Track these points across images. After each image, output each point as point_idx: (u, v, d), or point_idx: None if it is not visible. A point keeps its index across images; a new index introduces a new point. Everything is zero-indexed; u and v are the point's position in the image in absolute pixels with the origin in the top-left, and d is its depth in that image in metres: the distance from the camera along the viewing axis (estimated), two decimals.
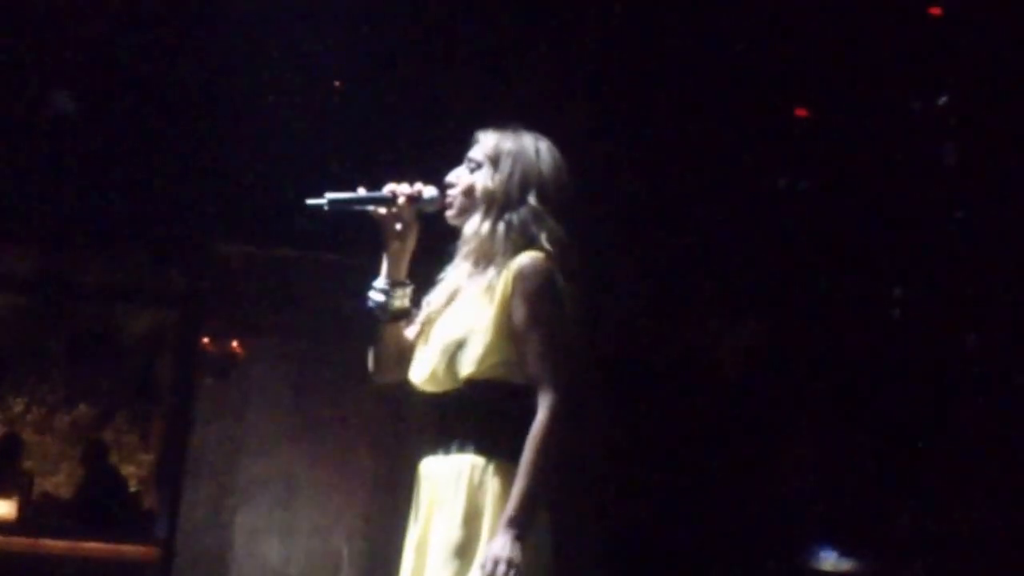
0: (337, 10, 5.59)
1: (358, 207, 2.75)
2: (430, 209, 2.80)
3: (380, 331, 2.80)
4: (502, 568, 2.49)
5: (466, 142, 2.83)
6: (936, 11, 5.84)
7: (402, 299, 2.79)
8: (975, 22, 5.80)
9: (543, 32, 5.79)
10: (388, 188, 2.76)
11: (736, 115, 6.13)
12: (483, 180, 2.75)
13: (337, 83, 6.13)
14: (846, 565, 6.84)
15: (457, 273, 2.80)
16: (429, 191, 2.77)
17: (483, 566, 2.51)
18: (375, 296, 2.79)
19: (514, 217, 2.70)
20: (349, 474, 6.67)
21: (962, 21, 5.82)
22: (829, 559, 6.86)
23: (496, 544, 2.52)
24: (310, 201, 2.73)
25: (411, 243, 2.79)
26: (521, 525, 2.53)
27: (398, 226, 2.77)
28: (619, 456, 6.38)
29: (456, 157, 2.84)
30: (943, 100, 6.05)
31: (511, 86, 5.74)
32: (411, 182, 2.77)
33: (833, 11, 5.75)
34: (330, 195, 2.73)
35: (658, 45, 5.79)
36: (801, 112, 6.28)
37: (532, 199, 2.71)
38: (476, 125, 2.84)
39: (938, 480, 6.62)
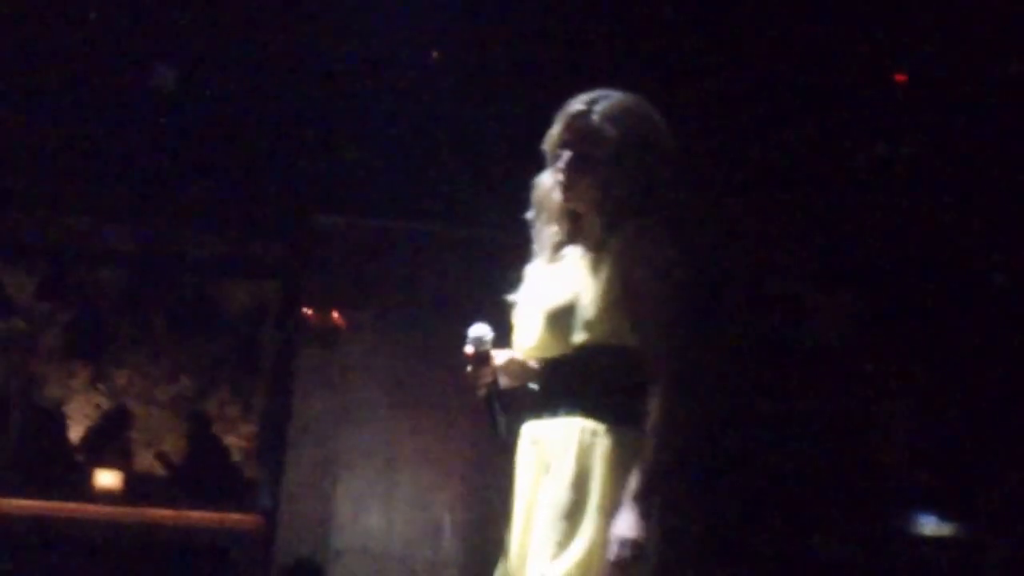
0: None
1: (494, 405, 2.80)
2: (488, 347, 2.82)
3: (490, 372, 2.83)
4: (629, 551, 2.50)
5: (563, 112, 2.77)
6: None
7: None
8: None
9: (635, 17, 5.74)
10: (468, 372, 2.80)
11: (834, 81, 6.05)
12: (577, 148, 2.71)
13: (435, 54, 6.12)
14: (945, 530, 6.78)
15: (559, 241, 2.78)
16: (474, 343, 2.80)
17: (612, 547, 2.51)
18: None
19: (610, 173, 2.67)
20: (449, 443, 6.71)
21: None
22: (928, 524, 6.81)
23: (623, 524, 2.53)
24: (501, 432, 2.79)
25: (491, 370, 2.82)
26: (648, 502, 2.53)
27: (487, 376, 2.81)
28: (716, 425, 6.36)
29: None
30: None
31: (606, 52, 5.69)
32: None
33: None
34: (493, 425, 2.80)
35: (756, 10, 5.73)
36: (901, 77, 6.19)
37: (627, 155, 2.67)
38: (575, 93, 2.79)
39: None
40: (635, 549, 2.51)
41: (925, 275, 6.74)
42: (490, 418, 2.79)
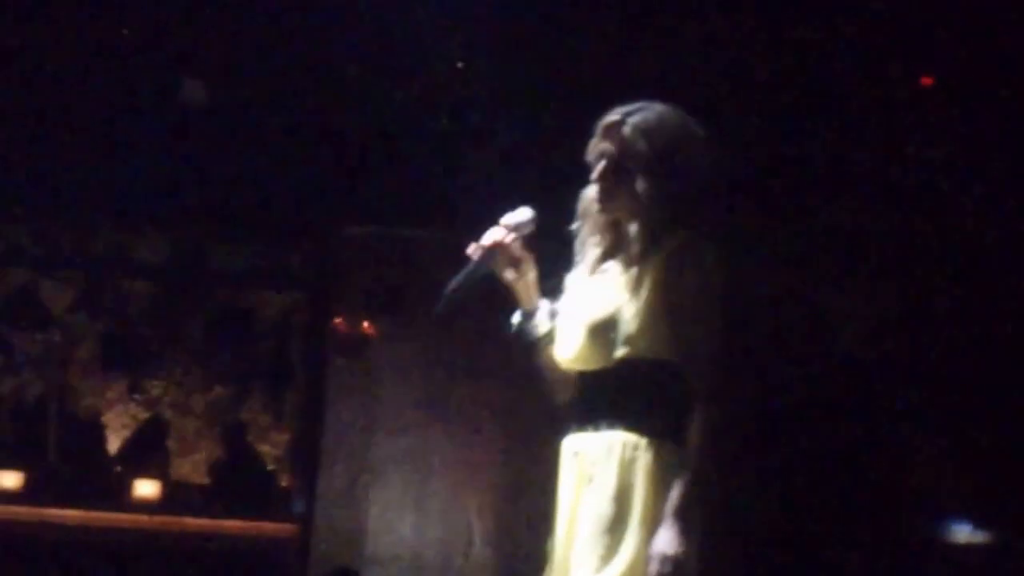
0: None
1: (474, 279, 2.75)
2: (528, 230, 2.79)
3: (541, 359, 2.81)
4: (669, 568, 2.50)
5: (595, 120, 2.78)
6: None
7: (542, 323, 2.80)
8: None
9: (673, 8, 5.72)
10: (484, 241, 2.76)
11: (860, 86, 6.02)
12: (614, 158, 2.71)
13: (462, 63, 6.12)
14: (980, 538, 6.74)
15: (600, 252, 2.78)
16: (519, 216, 2.77)
17: (652, 563, 2.51)
18: (518, 328, 2.81)
19: (647, 184, 2.66)
20: (480, 451, 6.74)
21: None
22: (963, 532, 6.77)
23: (663, 540, 2.53)
24: (438, 311, 2.74)
25: (530, 271, 2.80)
26: (687, 518, 2.53)
27: (513, 264, 2.78)
28: (749, 432, 6.34)
29: (583, 136, 2.81)
30: None
31: (646, 61, 5.66)
32: (493, 224, 2.76)
33: None
34: (448, 290, 2.74)
35: (788, 16, 5.70)
36: (927, 80, 6.14)
37: (664, 165, 2.66)
38: (608, 104, 2.79)
39: None
40: (675, 565, 2.51)
41: (956, 283, 6.68)
42: (455, 284, 2.74)
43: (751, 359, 6.01)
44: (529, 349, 2.82)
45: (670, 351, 2.63)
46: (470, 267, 2.75)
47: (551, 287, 2.84)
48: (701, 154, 2.71)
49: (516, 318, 2.81)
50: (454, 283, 2.74)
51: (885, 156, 6.36)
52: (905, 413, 6.80)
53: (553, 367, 2.79)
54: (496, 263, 2.76)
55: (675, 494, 2.55)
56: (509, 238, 2.76)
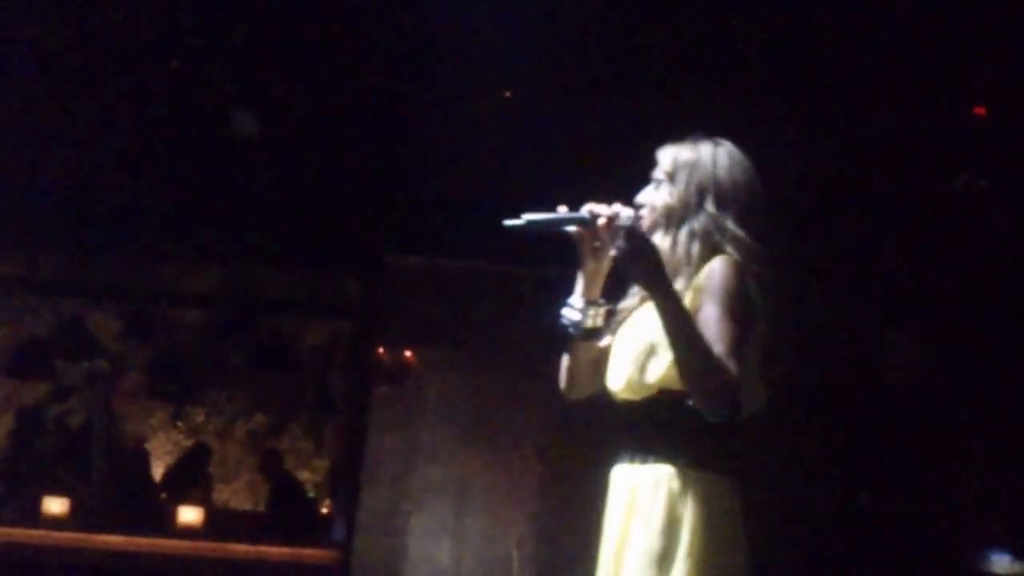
0: (523, 19, 5.57)
1: (556, 228, 2.73)
2: (625, 227, 2.73)
3: (574, 349, 2.80)
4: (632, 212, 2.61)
5: (653, 158, 2.80)
6: None
7: (595, 318, 2.78)
8: None
9: (724, 44, 5.72)
10: (586, 208, 2.72)
11: (911, 114, 5.98)
12: (663, 196, 2.73)
13: (507, 93, 6.15)
14: (1019, 568, 6.68)
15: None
16: (626, 212, 2.73)
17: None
18: (570, 314, 2.78)
19: (695, 225, 2.67)
20: (520, 480, 6.72)
21: None
22: (1002, 562, 6.71)
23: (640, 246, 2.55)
24: (508, 222, 2.70)
25: (607, 263, 2.75)
26: (656, 274, 2.54)
27: (595, 246, 2.76)
28: (791, 463, 6.32)
29: (644, 173, 2.81)
30: None
31: (697, 101, 5.66)
32: (609, 202, 2.72)
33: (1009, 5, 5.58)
34: (528, 216, 2.70)
35: (830, 45, 5.70)
36: (979, 110, 6.11)
37: (710, 206, 2.67)
38: (655, 139, 2.81)
39: None
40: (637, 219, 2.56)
41: (998, 311, 6.63)
42: (543, 216, 2.69)
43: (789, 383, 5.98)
44: (569, 344, 2.79)
45: None
46: (567, 215, 2.72)
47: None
48: (752, 195, 2.73)
49: (576, 302, 2.78)
50: (542, 215, 2.70)
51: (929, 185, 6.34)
52: (945, 442, 6.75)
53: (580, 364, 2.79)
54: (584, 236, 2.75)
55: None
56: (613, 216, 2.70)
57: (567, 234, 2.74)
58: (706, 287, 2.60)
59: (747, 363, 2.55)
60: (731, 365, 2.50)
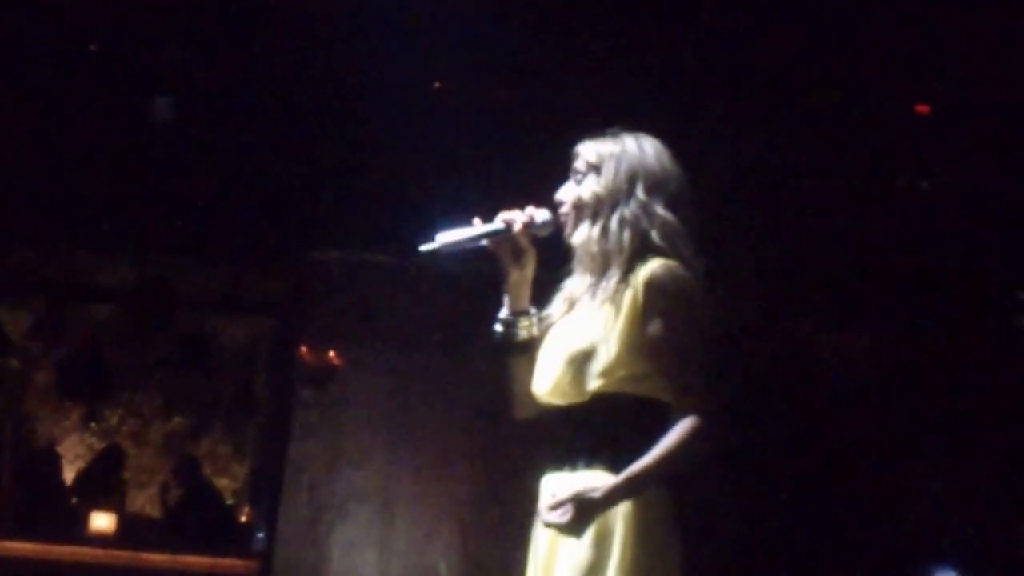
0: (441, 10, 5.48)
1: (472, 245, 2.67)
2: (544, 232, 2.72)
3: (514, 365, 2.74)
4: (563, 509, 2.46)
5: (570, 152, 2.73)
6: None
7: (528, 328, 2.73)
8: None
9: (655, 33, 5.62)
10: (500, 218, 2.68)
11: (853, 113, 5.92)
12: (588, 187, 2.67)
13: (436, 84, 6.02)
14: None
15: (576, 282, 2.72)
16: (542, 214, 2.70)
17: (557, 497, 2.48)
18: (500, 328, 2.73)
19: (625, 212, 2.62)
20: (447, 488, 6.60)
21: None
22: None
23: (587, 500, 2.45)
24: (423, 248, 2.65)
25: (530, 270, 2.72)
26: (610, 500, 2.46)
27: (515, 255, 2.70)
28: (731, 471, 6.22)
29: (561, 167, 2.74)
30: None
31: (620, 89, 5.57)
32: (520, 207, 2.69)
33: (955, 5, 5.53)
34: (441, 237, 2.64)
35: (775, 42, 5.61)
36: (922, 108, 6.04)
37: (640, 192, 2.63)
38: (582, 131, 2.74)
39: None
40: (565, 513, 2.46)
41: (949, 317, 6.58)
42: (456, 236, 2.64)
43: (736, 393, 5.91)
44: (506, 357, 2.74)
45: (649, 387, 2.56)
46: (482, 229, 2.68)
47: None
48: (678, 182, 2.68)
49: (504, 315, 2.73)
50: (455, 233, 2.66)
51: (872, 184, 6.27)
52: (892, 457, 6.72)
53: (523, 379, 2.72)
54: (502, 247, 2.69)
55: (621, 478, 2.48)
56: (529, 221, 2.69)
57: (484, 249, 2.69)
58: (654, 300, 2.56)
59: (708, 371, 2.56)
60: (697, 390, 2.52)
